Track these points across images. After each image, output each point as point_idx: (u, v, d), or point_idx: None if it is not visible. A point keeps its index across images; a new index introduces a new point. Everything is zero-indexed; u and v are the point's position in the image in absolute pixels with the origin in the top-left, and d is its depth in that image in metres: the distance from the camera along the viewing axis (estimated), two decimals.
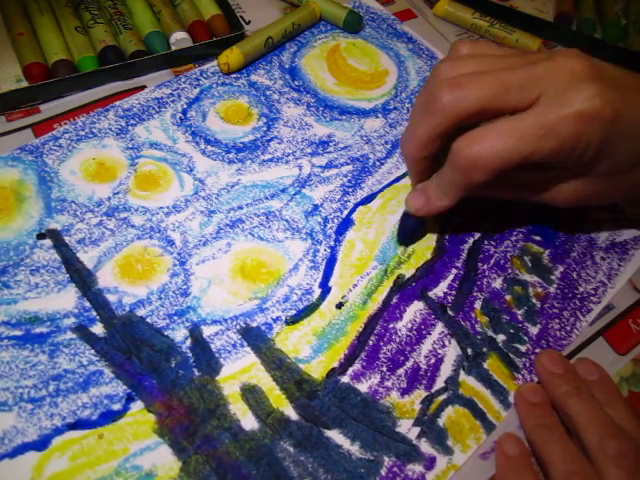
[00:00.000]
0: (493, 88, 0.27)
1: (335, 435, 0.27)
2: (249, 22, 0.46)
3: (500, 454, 0.27)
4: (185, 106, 0.39)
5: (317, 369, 0.29)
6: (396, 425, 0.28)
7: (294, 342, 0.30)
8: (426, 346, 0.31)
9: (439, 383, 0.30)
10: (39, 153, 0.35)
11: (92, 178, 0.35)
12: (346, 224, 0.35)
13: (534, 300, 0.33)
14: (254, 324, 0.30)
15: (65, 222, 0.33)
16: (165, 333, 0.30)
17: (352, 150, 0.39)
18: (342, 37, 0.46)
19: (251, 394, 0.28)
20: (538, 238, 0.36)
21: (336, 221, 0.35)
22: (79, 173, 0.35)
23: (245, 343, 0.30)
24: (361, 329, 0.31)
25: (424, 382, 0.30)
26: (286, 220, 0.35)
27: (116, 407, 0.27)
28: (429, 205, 0.31)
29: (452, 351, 0.31)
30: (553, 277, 0.34)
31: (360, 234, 0.35)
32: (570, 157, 0.27)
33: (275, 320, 0.31)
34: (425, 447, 0.28)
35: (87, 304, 0.30)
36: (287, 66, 0.43)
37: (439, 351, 0.31)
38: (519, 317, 0.32)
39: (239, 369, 0.29)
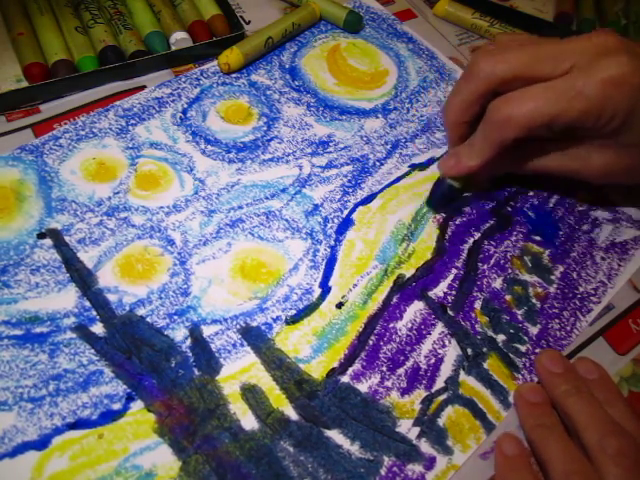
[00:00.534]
0: (527, 56, 0.30)
1: (335, 435, 0.27)
2: (249, 22, 0.46)
3: (499, 454, 0.27)
4: (185, 106, 0.39)
5: (317, 369, 0.29)
6: (396, 425, 0.28)
7: (294, 342, 0.30)
8: (426, 346, 0.31)
9: (439, 383, 0.30)
10: (39, 153, 0.35)
11: (92, 178, 0.35)
12: (346, 224, 0.35)
13: (534, 300, 0.33)
14: (254, 324, 0.30)
15: (65, 222, 0.33)
16: (165, 333, 0.30)
17: (352, 150, 0.39)
18: (342, 37, 0.46)
19: (251, 394, 0.28)
20: (538, 238, 0.36)
21: (336, 221, 0.35)
22: (79, 173, 0.35)
23: (245, 343, 0.30)
24: (361, 329, 0.31)
25: (424, 382, 0.30)
26: (286, 220, 0.35)
27: (116, 407, 0.27)
28: (459, 165, 0.33)
29: (452, 351, 0.31)
30: (553, 277, 0.34)
31: (360, 234, 0.35)
32: (598, 122, 0.29)
33: (275, 320, 0.31)
34: (425, 447, 0.28)
35: (87, 304, 0.30)
36: (287, 66, 0.43)
37: (439, 351, 0.31)
38: (519, 317, 0.32)
39: (239, 369, 0.29)
